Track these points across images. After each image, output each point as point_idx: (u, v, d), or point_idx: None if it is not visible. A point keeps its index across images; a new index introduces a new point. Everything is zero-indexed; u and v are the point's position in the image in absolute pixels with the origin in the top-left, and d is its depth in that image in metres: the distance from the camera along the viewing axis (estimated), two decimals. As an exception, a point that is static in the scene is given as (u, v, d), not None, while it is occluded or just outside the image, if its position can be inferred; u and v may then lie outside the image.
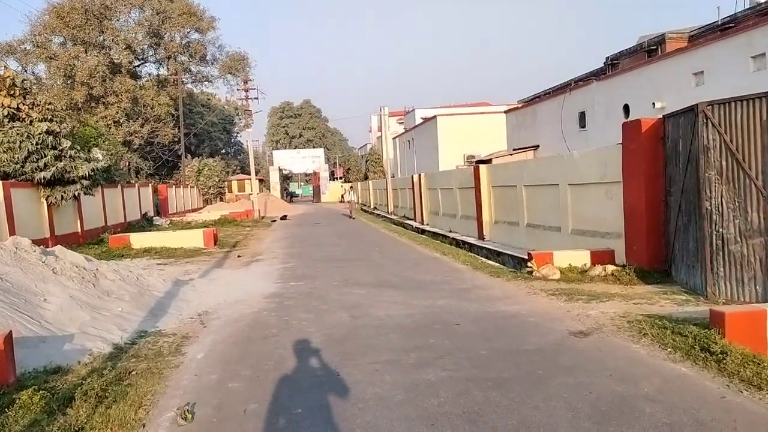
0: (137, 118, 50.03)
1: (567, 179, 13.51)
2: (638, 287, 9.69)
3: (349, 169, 71.28)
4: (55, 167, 18.81)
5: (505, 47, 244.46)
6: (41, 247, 14.70)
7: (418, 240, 20.55)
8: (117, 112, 47.96)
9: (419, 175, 27.84)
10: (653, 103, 16.87)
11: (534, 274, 11.02)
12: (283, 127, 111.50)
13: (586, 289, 9.62)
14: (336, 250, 17.87)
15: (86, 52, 47.78)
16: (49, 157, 18.97)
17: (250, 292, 10.80)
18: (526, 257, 13.68)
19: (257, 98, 35.11)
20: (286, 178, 79.67)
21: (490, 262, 14.12)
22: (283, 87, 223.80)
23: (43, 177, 18.66)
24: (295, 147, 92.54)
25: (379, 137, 67.11)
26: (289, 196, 77.76)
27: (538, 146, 24.95)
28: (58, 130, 19.71)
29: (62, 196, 19.52)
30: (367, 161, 62.38)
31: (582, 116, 21.50)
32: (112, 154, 28.53)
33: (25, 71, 51.08)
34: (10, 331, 5.84)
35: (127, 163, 48.91)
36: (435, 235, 22.90)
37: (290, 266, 14.40)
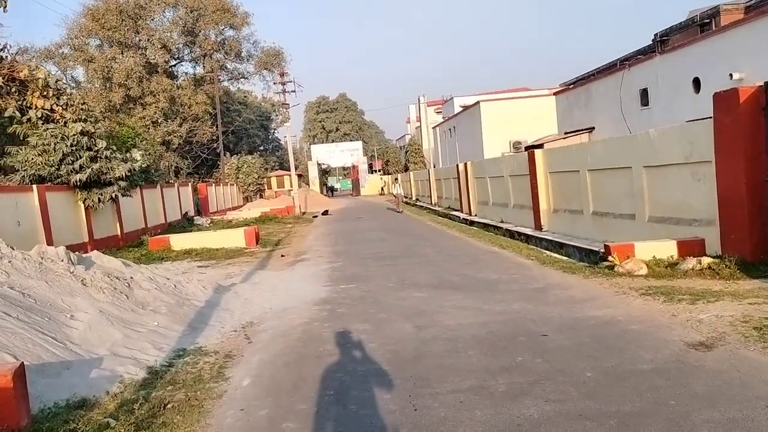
0: (175, 118, 49.83)
1: (642, 161, 12.12)
2: (744, 283, 8.33)
3: (387, 161, 70.19)
4: (90, 169, 18.16)
5: (542, 32, 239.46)
6: (77, 253, 14.01)
7: (468, 232, 19.32)
8: (155, 113, 47.81)
9: (465, 163, 26.55)
10: (730, 75, 15.26)
11: (616, 269, 9.71)
12: (320, 121, 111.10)
13: (684, 287, 8.30)
14: (384, 246, 16.78)
15: (122, 53, 47.73)
16: (84, 158, 18.33)
17: (298, 298, 9.78)
18: (596, 249, 12.42)
19: (294, 91, 34.23)
20: (324, 172, 79.05)
21: (557, 255, 12.83)
22: (319, 82, 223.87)
23: (79, 179, 18.03)
24: (332, 141, 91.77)
25: (418, 127, 65.86)
26: (330, 191, 77.11)
27: (593, 128, 23.38)
28: (92, 130, 19.05)
29: (99, 198, 18.88)
30: (406, 152, 61.17)
31: (644, 94, 19.88)
32: (149, 154, 27.99)
33: (64, 75, 51.55)
34: (22, 364, 4.87)
35: (167, 163, 48.95)
36: (485, 227, 21.69)
37: (338, 266, 13.37)
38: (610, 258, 10.10)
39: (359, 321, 7.85)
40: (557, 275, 10.20)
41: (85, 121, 18.93)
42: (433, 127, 49.99)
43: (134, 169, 20.07)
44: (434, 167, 45.68)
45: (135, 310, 7.99)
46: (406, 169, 57.68)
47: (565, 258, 12.12)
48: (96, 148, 18.88)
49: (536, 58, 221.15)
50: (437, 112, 64.78)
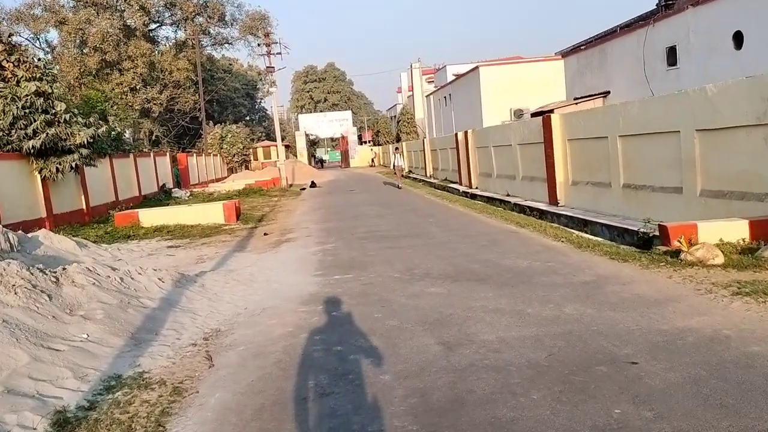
0: (155, 84, 47.17)
1: (694, 123, 10.07)
2: None
3: (378, 131, 67.77)
4: (45, 134, 15.86)
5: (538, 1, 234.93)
6: (19, 232, 11.89)
7: (474, 207, 17.28)
8: (133, 78, 45.13)
9: (465, 132, 24.43)
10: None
11: (683, 257, 7.70)
12: (308, 92, 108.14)
13: (787, 283, 6.32)
14: (382, 223, 14.71)
15: (98, 14, 44.85)
16: (39, 122, 16.03)
17: (281, 294, 7.72)
18: (633, 228, 10.47)
19: (280, 53, 31.73)
20: (312, 143, 76.46)
21: (591, 236, 10.81)
22: (306, 52, 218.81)
23: (32, 146, 15.74)
24: (321, 111, 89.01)
25: (410, 96, 63.38)
26: (319, 162, 74.70)
27: (608, 93, 21.30)
28: (49, 90, 16.70)
29: (58, 168, 16.61)
30: (398, 122, 58.77)
31: (671, 52, 17.77)
32: (121, 119, 25.57)
33: (38, 39, 48.62)
34: None
35: (147, 132, 46.38)
36: (489, 201, 19.73)
37: (330, 247, 11.30)
38: (678, 241, 8.07)
39: (363, 332, 5.80)
40: (605, 264, 8.19)
41: (40, 80, 16.58)
42: (426, 96, 47.61)
43: (98, 135, 17.76)
44: (428, 137, 43.48)
45: (58, 317, 5.89)
46: (398, 140, 55.35)
47: (605, 241, 10.09)
48: (53, 111, 16.56)
49: (530, 26, 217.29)
50: (429, 82, 62.28)
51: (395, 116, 70.12)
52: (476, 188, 23.43)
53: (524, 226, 12.50)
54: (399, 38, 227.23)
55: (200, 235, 15.08)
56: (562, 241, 10.23)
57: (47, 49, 48.96)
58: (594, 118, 14.01)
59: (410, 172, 41.10)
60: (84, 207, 19.28)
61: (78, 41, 44.81)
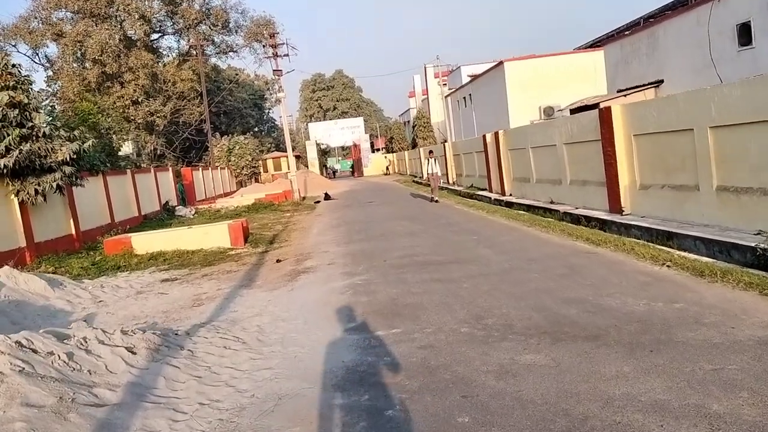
0: (158, 97, 45.16)
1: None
2: None
3: (392, 138, 65.31)
4: (18, 151, 13.60)
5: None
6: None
7: (519, 218, 14.81)
8: (135, 91, 43.17)
9: (495, 133, 21.98)
10: None
11: None
12: (316, 100, 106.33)
13: None
14: (417, 243, 12.28)
15: (96, 25, 42.95)
16: (12, 137, 13.78)
17: (303, 366, 5.31)
18: (748, 244, 8.02)
19: (287, 55, 29.39)
20: (323, 153, 74.32)
21: (706, 259, 8.27)
22: (313, 60, 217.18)
23: (4, 165, 13.49)
24: (330, 120, 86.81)
25: (425, 99, 60.98)
26: (333, 172, 72.41)
27: (660, 82, 18.80)
28: (26, 101, 14.48)
29: (37, 190, 14.35)
30: (414, 126, 56.31)
31: (744, 30, 15.27)
32: (115, 132, 23.33)
33: (37, 54, 46.82)
34: None
35: (152, 146, 44.30)
36: (530, 209, 17.29)
37: (361, 281, 8.87)
38: None
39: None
40: (764, 303, 5.72)
41: (14, 88, 14.36)
42: (445, 97, 45.16)
43: (85, 150, 15.46)
44: (445, 142, 41.00)
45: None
46: (414, 146, 52.90)
47: (731, 265, 7.57)
48: (31, 125, 14.33)
49: (545, 25, 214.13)
50: (443, 84, 59.93)
51: (409, 121, 67.70)
52: (510, 195, 20.99)
53: (599, 243, 10.03)
54: (407, 42, 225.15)
55: (202, 263, 12.75)
56: (668, 266, 7.76)
57: (47, 64, 47.25)
58: (672, 107, 11.50)
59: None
60: (73, 232, 17.01)
61: (77, 54, 42.95)
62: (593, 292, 6.84)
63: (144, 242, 14.68)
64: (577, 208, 15.04)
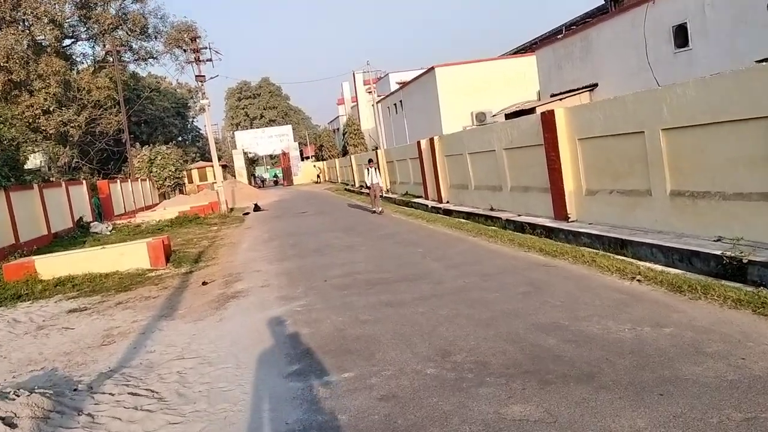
0: (72, 106, 42.30)
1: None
2: None
3: (321, 145, 64.09)
4: None
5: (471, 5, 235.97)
6: None
7: (463, 228, 14.09)
8: (46, 99, 40.20)
9: (430, 139, 21.33)
10: None
11: None
12: (243, 108, 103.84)
13: None
14: (358, 258, 11.28)
15: (1, 30, 39.84)
16: None
17: None
18: (719, 253, 7.49)
19: (211, 60, 27.85)
20: (251, 162, 72.24)
21: (679, 272, 7.63)
22: (237, 68, 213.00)
23: None
24: (257, 128, 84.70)
25: (354, 107, 60.18)
26: (261, 181, 70.44)
27: (595, 86, 18.58)
28: None
29: None
30: (344, 134, 55.31)
31: (680, 31, 15.11)
32: (18, 145, 21.18)
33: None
34: None
35: (66, 159, 41.40)
36: (469, 216, 16.69)
37: (300, 307, 7.79)
38: None
39: None
40: (760, 324, 5.06)
41: None
42: (374, 104, 44.45)
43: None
44: (376, 149, 40.22)
45: None
46: (345, 153, 51.94)
47: (708, 279, 6.93)
48: None
49: (472, 31, 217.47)
50: (369, 92, 59.33)
51: (339, 129, 66.71)
52: (447, 202, 20.37)
53: (555, 254, 9.34)
54: (334, 49, 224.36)
55: (116, 288, 11.33)
56: (639, 281, 7.09)
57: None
58: (619, 109, 10.99)
59: (361, 186, 37.82)
60: (-32, 256, 15.11)
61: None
62: (567, 314, 6.05)
63: (50, 266, 13.06)
64: (519, 215, 14.49)
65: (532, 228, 12.97)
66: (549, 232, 12.37)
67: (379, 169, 20.08)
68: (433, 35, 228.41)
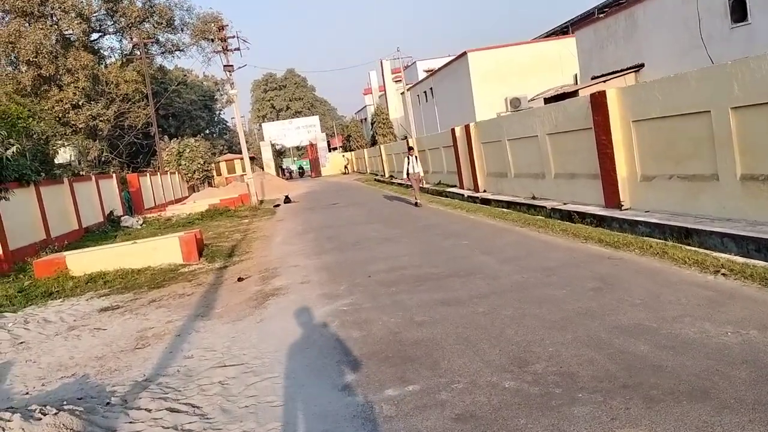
0: (100, 99, 42.31)
1: None
2: None
3: (349, 136, 63.49)
4: None
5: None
6: None
7: (505, 217, 13.39)
8: (75, 94, 40.23)
9: (465, 126, 20.61)
10: None
11: None
12: (268, 100, 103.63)
13: None
14: (400, 251, 10.66)
15: (29, 25, 39.91)
16: None
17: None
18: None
19: (239, 49, 27.40)
20: (278, 153, 71.99)
21: (761, 263, 6.88)
22: (264, 57, 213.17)
23: None
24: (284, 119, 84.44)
25: (382, 96, 59.43)
26: (290, 173, 70.21)
27: (641, 66, 17.64)
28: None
29: (-51, 206, 12.24)
30: (373, 123, 54.60)
31: (737, 4, 14.13)
32: (48, 138, 20.95)
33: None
34: None
35: (96, 153, 41.46)
36: (510, 205, 16.01)
37: (346, 306, 7.20)
38: None
39: None
40: None
41: None
42: (403, 92, 43.68)
43: (8, 158, 13.35)
44: (406, 138, 39.45)
45: None
46: (374, 143, 51.28)
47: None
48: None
49: (499, 16, 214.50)
50: (396, 81, 58.48)
51: (366, 119, 66.05)
52: (484, 191, 19.65)
53: (618, 246, 8.60)
54: (359, 39, 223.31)
55: (149, 285, 10.89)
56: (724, 274, 6.35)
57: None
58: (681, 88, 10.16)
59: (391, 176, 37.15)
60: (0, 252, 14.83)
61: (10, 57, 39.84)
62: (652, 315, 5.35)
63: (81, 262, 12.68)
64: (565, 204, 13.76)
65: (581, 217, 12.23)
66: (600, 221, 11.64)
67: (418, 158, 19.02)
68: (460, 22, 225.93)
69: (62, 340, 7.91)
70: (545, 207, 14.00)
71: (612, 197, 12.10)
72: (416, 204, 18.53)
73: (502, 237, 10.84)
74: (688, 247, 7.90)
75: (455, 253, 9.78)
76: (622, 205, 11.85)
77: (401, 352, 5.22)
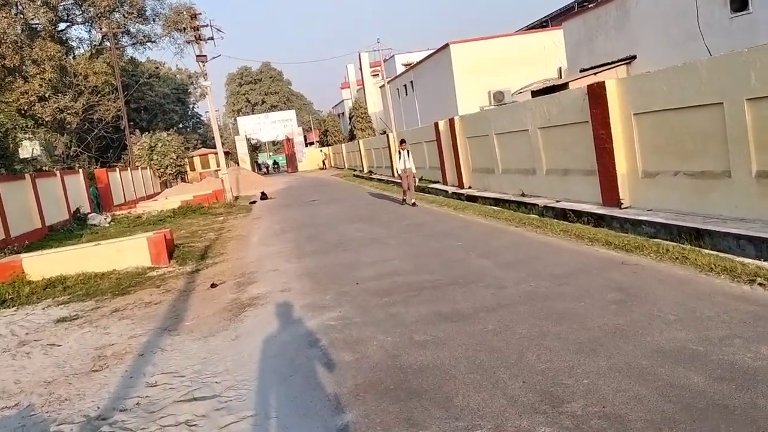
0: (68, 92, 40.71)
1: None
2: None
3: (326, 130, 62.41)
4: None
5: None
6: None
7: (496, 215, 12.65)
8: (41, 86, 38.61)
9: (450, 120, 19.89)
10: None
11: None
12: (243, 94, 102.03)
13: None
14: (388, 254, 9.82)
15: (-9, 13, 38.20)
16: None
17: None
18: None
19: (212, 38, 26.23)
20: (254, 148, 70.60)
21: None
22: (238, 52, 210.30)
23: None
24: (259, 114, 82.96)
25: (360, 89, 58.48)
26: (266, 168, 68.93)
27: (633, 58, 17.02)
28: None
29: None
30: (351, 117, 53.59)
31: (738, -7, 13.56)
32: (7, 130, 19.67)
33: None
34: None
35: (64, 148, 39.90)
36: (497, 203, 15.37)
37: (334, 321, 6.33)
38: None
39: None
40: None
41: None
42: (383, 84, 42.79)
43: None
44: (385, 132, 38.58)
45: None
46: (352, 138, 50.31)
47: None
48: None
49: (475, 13, 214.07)
50: (374, 75, 57.58)
51: (343, 113, 65.02)
52: (470, 188, 18.96)
53: (629, 249, 7.86)
54: (336, 31, 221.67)
55: (113, 291, 9.92)
56: (762, 284, 5.63)
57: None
58: (690, 78, 9.48)
59: (370, 172, 36.30)
60: (-49, 254, 13.69)
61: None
62: (693, 335, 4.60)
63: (40, 265, 11.63)
64: (558, 201, 13.11)
65: (577, 215, 11.57)
66: (599, 220, 10.99)
67: (410, 152, 17.43)
68: (437, 16, 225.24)
69: (9, 358, 6.96)
70: (537, 204, 13.32)
71: (610, 195, 11.45)
72: (412, 204, 16.66)
73: (498, 238, 10.07)
74: (711, 252, 7.18)
75: (450, 256, 8.97)
76: (622, 203, 11.20)
77: (404, 383, 4.39)
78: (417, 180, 17.76)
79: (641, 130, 10.70)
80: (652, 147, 10.49)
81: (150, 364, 5.87)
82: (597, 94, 11.47)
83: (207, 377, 5.20)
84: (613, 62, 17.57)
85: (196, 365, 5.58)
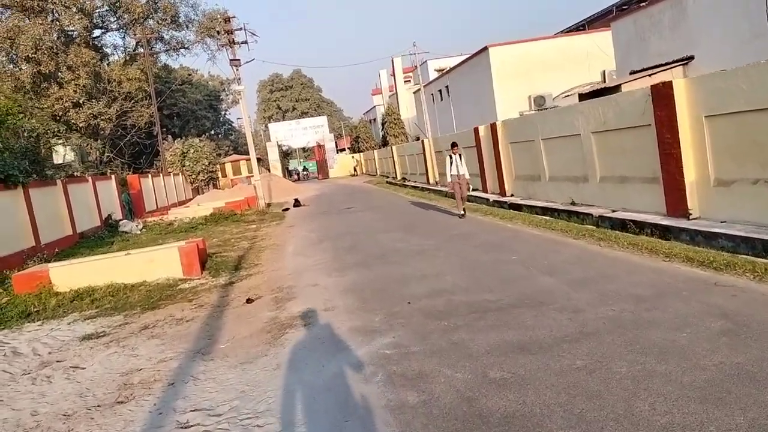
0: (102, 98, 40.81)
1: None
2: None
3: (358, 137, 61.82)
4: None
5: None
6: None
7: (550, 227, 11.74)
8: (76, 92, 38.75)
9: (491, 125, 19.00)
10: None
11: None
12: (274, 101, 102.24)
13: None
14: (438, 268, 8.99)
15: (28, 19, 38.47)
16: None
17: None
18: None
19: (246, 42, 25.74)
20: (285, 154, 70.37)
21: None
22: (271, 58, 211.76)
23: None
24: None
25: (393, 95, 57.80)
26: (297, 175, 68.79)
27: (690, 58, 15.97)
28: None
29: None
30: (384, 123, 52.88)
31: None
32: (38, 136, 19.35)
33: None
34: None
35: (97, 153, 39.98)
36: (544, 212, 14.47)
37: (390, 350, 5.53)
38: None
39: None
40: None
41: None
42: (418, 89, 41.99)
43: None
44: (429, 137, 37.75)
45: None
46: (385, 144, 49.59)
47: None
48: None
49: (507, 15, 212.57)
50: (406, 81, 56.85)
51: (375, 119, 64.41)
52: (512, 195, 18.03)
53: (717, 267, 6.92)
54: (369, 39, 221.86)
55: (142, 305, 9.28)
56: None
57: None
58: (776, 75, 8.52)
59: (404, 178, 35.51)
60: (-20, 262, 13.27)
61: (5, 51, 38.36)
62: None
63: (67, 275, 11.07)
64: (614, 211, 12.16)
65: (639, 227, 10.60)
66: (664, 232, 10.02)
67: (463, 156, 15.79)
68: (470, 21, 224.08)
69: (29, 383, 6.32)
70: (591, 214, 12.38)
71: (677, 204, 10.46)
72: (461, 215, 15.25)
73: (557, 251, 9.18)
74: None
75: (507, 272, 8.12)
76: (690, 214, 10.22)
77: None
78: (471, 188, 16.45)
79: (714, 134, 9.73)
80: (727, 152, 9.52)
81: (181, 396, 5.15)
82: (662, 95, 10.53)
83: (246, 417, 4.45)
84: (667, 63, 16.53)
85: (234, 400, 4.84)
